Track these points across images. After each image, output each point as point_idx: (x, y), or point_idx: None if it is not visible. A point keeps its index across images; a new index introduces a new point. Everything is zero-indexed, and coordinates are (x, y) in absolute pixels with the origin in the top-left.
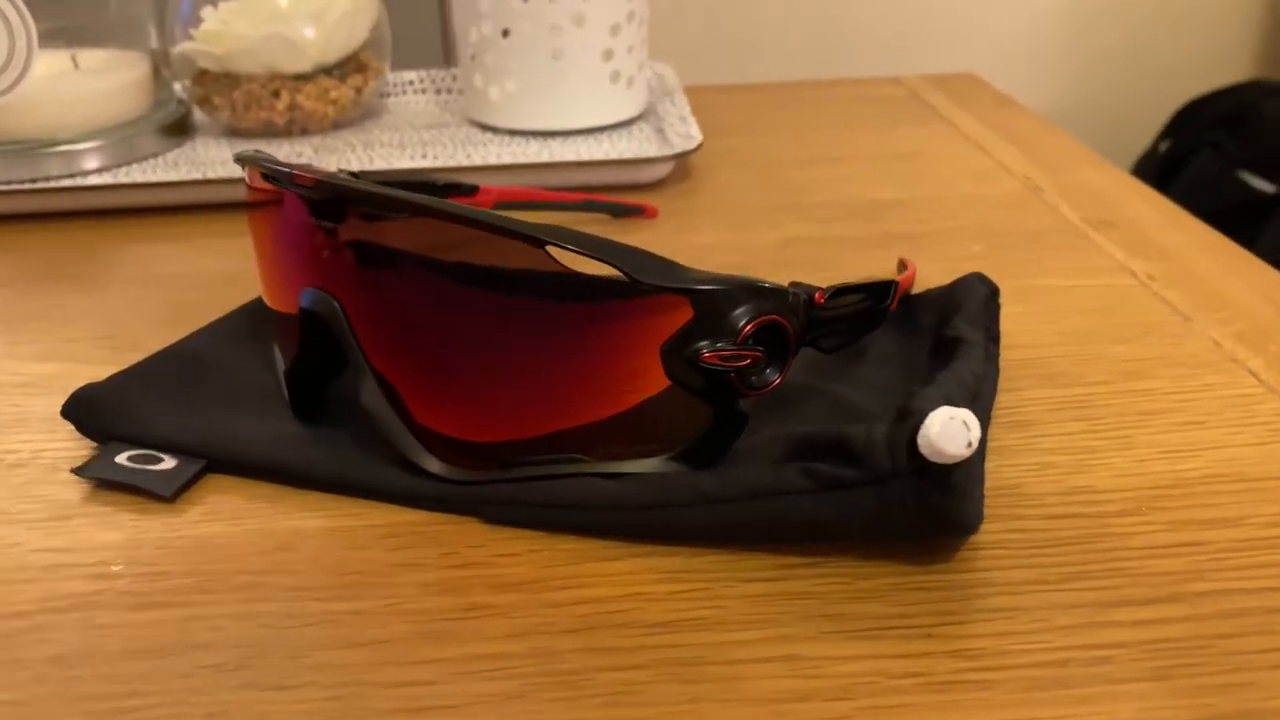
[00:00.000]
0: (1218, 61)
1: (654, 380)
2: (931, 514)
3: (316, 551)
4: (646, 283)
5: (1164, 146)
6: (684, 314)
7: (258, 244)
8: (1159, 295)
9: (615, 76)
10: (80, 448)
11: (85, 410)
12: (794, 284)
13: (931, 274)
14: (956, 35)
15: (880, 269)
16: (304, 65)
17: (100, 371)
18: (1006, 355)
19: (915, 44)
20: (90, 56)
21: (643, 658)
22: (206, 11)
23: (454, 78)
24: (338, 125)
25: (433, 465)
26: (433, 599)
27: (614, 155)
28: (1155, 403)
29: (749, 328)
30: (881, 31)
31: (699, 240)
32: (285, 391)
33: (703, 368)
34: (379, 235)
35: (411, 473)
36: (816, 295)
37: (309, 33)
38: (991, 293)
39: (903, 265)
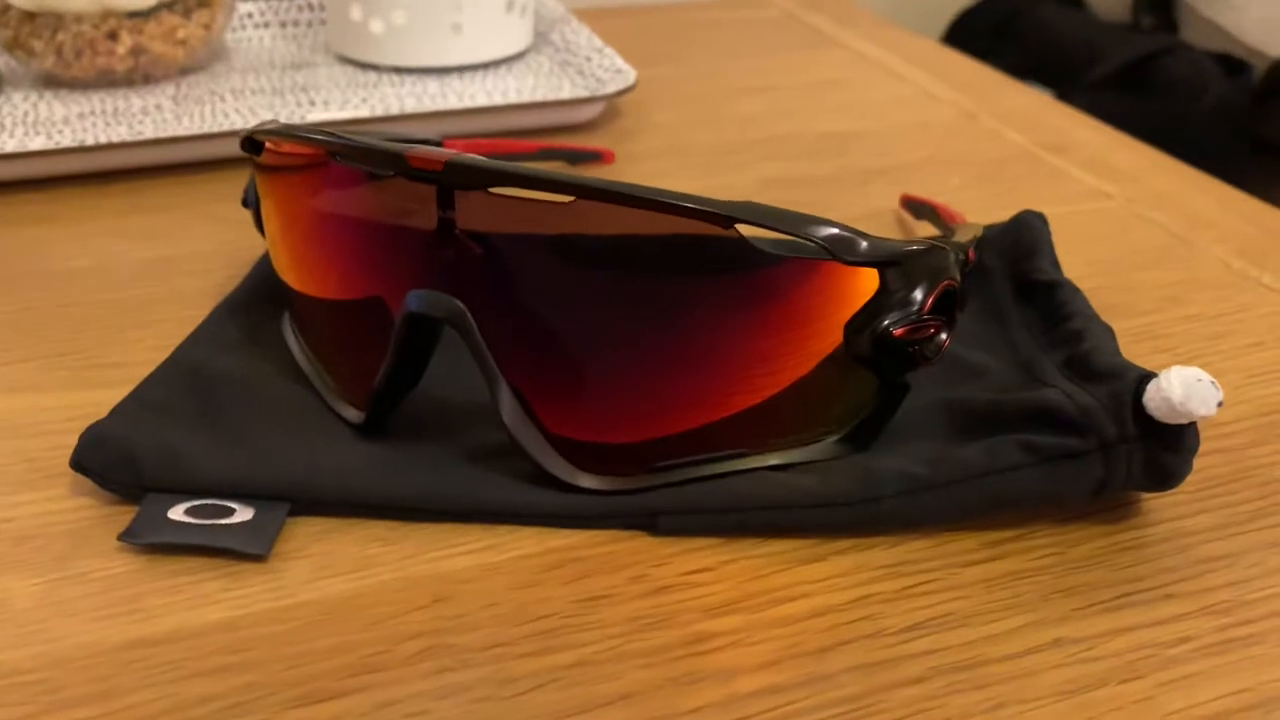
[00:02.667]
0: None
1: (815, 356)
2: (1158, 475)
3: (483, 597)
4: (848, 258)
5: None
6: (869, 286)
7: (287, 222)
8: (1146, 218)
9: (510, 6)
10: (100, 504)
11: (106, 457)
12: (940, 239)
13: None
14: None
15: (878, 206)
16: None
17: (68, 399)
18: None
19: None
20: None
21: (918, 668)
22: None
23: (300, 9)
24: (185, 70)
25: (586, 480)
26: (652, 635)
27: (528, 92)
28: (1211, 327)
29: (933, 298)
30: None
31: (675, 186)
32: (342, 407)
33: (891, 343)
34: (503, 221)
35: (555, 488)
36: (970, 253)
37: None
38: (1048, 230)
39: (911, 203)
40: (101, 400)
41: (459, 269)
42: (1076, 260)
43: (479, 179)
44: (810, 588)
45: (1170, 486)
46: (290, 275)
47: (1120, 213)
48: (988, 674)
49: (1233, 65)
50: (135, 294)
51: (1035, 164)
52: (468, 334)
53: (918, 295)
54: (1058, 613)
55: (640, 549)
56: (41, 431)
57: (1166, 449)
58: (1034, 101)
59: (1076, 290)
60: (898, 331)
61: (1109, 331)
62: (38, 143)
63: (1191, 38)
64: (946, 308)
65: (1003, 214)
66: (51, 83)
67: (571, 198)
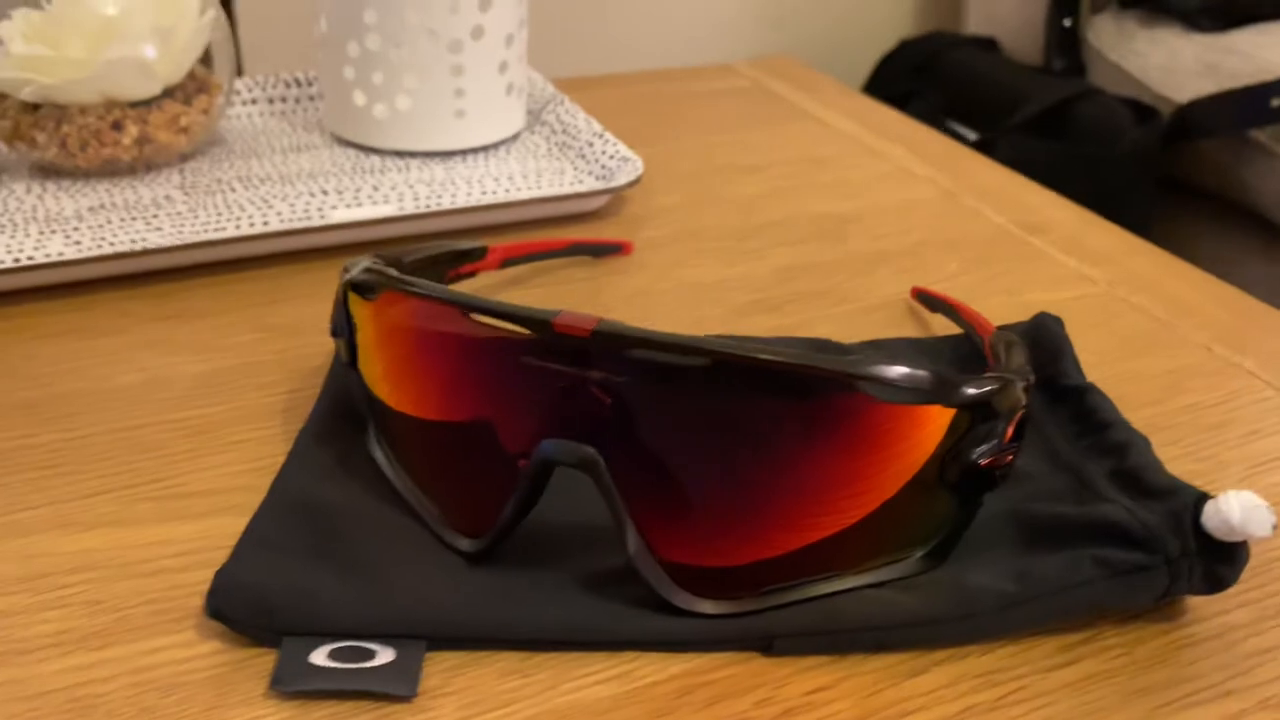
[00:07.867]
0: (899, 14)
1: (910, 484)
2: (1213, 583)
3: None
4: (948, 402)
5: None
6: (961, 422)
7: (395, 353)
8: (1130, 303)
9: (509, 89)
10: (232, 647)
11: (244, 604)
12: (1013, 369)
13: None
14: (646, 13)
15: (888, 294)
16: (153, 89)
17: (164, 534)
18: None
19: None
20: None
21: None
22: (3, 28)
23: (287, 85)
24: (184, 156)
25: (706, 606)
26: None
27: (533, 176)
28: (1209, 416)
29: (1012, 427)
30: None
31: (699, 277)
32: (452, 537)
33: (979, 471)
34: (630, 373)
35: (676, 614)
36: (1031, 379)
37: (151, 51)
38: (1064, 333)
39: (925, 297)
40: (203, 533)
41: (584, 414)
42: (1075, 349)
43: (623, 345)
44: (922, 700)
45: (1221, 591)
46: (399, 403)
47: (1105, 298)
48: None
49: (1142, 110)
50: (200, 413)
51: (1019, 246)
52: (599, 479)
53: (1000, 427)
54: (1138, 714)
55: (757, 671)
56: (153, 571)
57: (1223, 562)
58: (1003, 177)
59: (1104, 396)
60: (984, 462)
61: (1147, 442)
62: (59, 245)
63: (1098, 81)
64: (1020, 434)
65: (1000, 300)
66: (49, 171)
67: (709, 360)
